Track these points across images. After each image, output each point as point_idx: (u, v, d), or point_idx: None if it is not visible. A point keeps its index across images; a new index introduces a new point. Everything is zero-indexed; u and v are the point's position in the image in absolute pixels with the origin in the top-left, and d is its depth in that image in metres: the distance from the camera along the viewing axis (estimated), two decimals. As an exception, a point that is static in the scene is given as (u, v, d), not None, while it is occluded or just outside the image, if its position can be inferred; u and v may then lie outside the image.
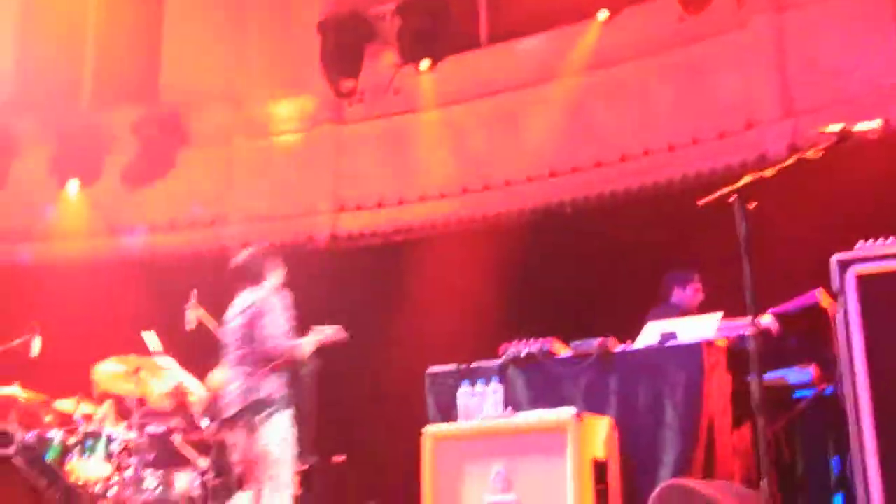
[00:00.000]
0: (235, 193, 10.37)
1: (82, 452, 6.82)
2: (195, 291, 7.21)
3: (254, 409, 5.59)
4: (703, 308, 5.95)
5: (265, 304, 5.75)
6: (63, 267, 9.95)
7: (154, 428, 7.29)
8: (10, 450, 3.23)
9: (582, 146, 9.10)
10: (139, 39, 11.22)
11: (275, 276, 5.94)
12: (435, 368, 6.28)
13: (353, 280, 9.03)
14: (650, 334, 5.60)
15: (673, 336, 5.38)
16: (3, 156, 10.05)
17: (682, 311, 6.43)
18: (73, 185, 10.21)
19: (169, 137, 10.19)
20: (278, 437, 5.62)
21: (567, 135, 9.15)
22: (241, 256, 6.01)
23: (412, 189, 9.76)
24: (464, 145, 9.65)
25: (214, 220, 10.44)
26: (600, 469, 5.07)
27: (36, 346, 7.33)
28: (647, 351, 5.42)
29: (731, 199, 3.92)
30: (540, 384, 5.60)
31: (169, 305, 7.84)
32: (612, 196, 8.58)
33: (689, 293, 6.59)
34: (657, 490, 4.64)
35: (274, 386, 5.64)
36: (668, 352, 5.30)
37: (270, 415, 5.59)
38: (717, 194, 3.96)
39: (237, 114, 10.40)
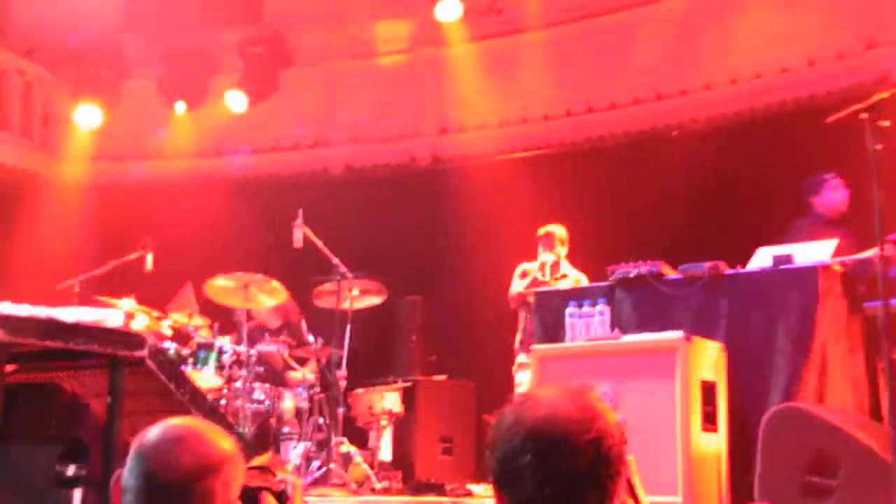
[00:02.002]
0: (338, 114, 10.43)
1: (195, 363, 7.08)
2: (301, 211, 7.33)
3: None
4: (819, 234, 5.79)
5: None
6: (173, 185, 10.20)
7: (264, 343, 7.51)
8: (143, 352, 3.34)
9: (690, 68, 8.87)
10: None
11: None
12: (542, 288, 6.31)
13: (456, 201, 9.05)
14: (762, 258, 5.50)
15: (787, 259, 5.27)
16: (115, 76, 10.26)
17: (829, 218, 6.09)
18: (180, 106, 10.38)
19: (273, 58, 10.25)
20: None
21: (674, 57, 8.93)
22: None
23: (514, 111, 9.68)
24: (568, 67, 9.49)
25: (317, 142, 10.55)
26: (709, 391, 5.04)
27: (149, 261, 7.56)
28: (760, 274, 5.34)
29: (863, 117, 3.78)
30: (648, 306, 5.57)
31: (274, 224, 8.01)
32: (721, 119, 8.37)
33: (828, 195, 6.11)
34: (772, 411, 4.60)
35: None
36: (781, 275, 5.22)
37: None
38: (847, 111, 3.82)
39: (340, 34, 10.39)
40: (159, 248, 7.58)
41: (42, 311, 3.29)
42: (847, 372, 5.21)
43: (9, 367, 3.40)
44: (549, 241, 7.05)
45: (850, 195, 5.99)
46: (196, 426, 1.83)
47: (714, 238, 6.47)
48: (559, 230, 7.11)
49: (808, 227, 5.93)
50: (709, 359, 5.13)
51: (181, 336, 7.32)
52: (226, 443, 1.79)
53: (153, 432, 1.82)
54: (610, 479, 1.55)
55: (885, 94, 3.75)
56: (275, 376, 7.41)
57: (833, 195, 6.08)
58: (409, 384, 7.89)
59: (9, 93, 10.50)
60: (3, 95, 10.47)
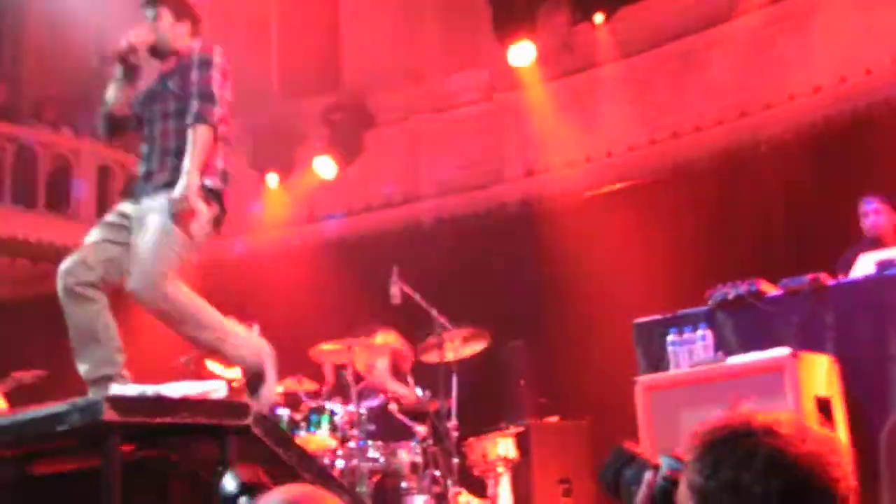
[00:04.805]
0: (424, 168, 10.59)
1: (308, 427, 7.19)
2: (396, 267, 7.43)
3: None
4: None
5: None
6: (272, 255, 10.46)
7: (372, 401, 7.59)
8: (248, 420, 3.43)
9: (772, 82, 8.74)
10: (319, 30, 11.61)
11: None
12: (642, 319, 6.23)
13: (547, 241, 9.05)
14: (865, 265, 5.35)
15: (891, 263, 5.12)
16: (209, 155, 10.63)
17: (872, 241, 6.02)
18: (272, 178, 10.69)
19: (356, 121, 10.50)
20: None
21: (755, 72, 8.82)
22: None
23: (599, 146, 9.67)
24: (647, 96, 9.46)
25: (407, 197, 10.70)
26: (824, 407, 4.89)
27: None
28: (865, 281, 5.18)
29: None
30: (750, 326, 5.45)
31: (373, 283, 8.13)
32: (809, 127, 8.21)
33: (864, 221, 6.05)
34: (892, 422, 4.44)
35: None
36: (888, 280, 5.05)
37: None
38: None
39: (418, 90, 10.59)
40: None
41: (150, 389, 3.41)
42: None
43: (127, 447, 3.54)
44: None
45: None
46: (315, 496, 1.83)
47: (814, 251, 6.30)
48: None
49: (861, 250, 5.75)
50: (820, 374, 4.98)
51: (293, 402, 7.47)
52: None
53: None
54: None
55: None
56: (387, 431, 7.47)
57: (864, 220, 6.02)
58: (521, 428, 7.86)
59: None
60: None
